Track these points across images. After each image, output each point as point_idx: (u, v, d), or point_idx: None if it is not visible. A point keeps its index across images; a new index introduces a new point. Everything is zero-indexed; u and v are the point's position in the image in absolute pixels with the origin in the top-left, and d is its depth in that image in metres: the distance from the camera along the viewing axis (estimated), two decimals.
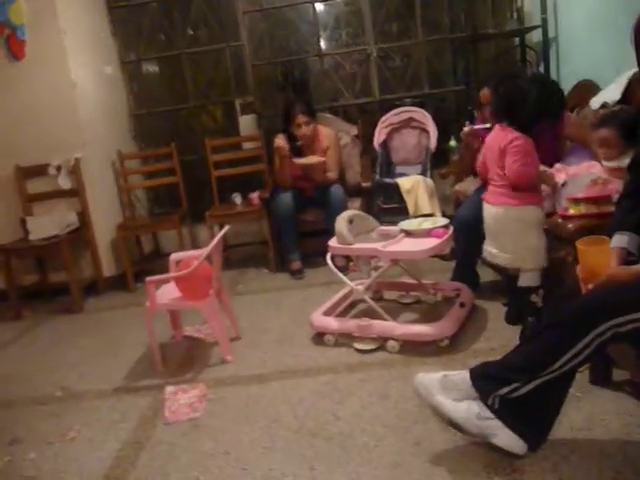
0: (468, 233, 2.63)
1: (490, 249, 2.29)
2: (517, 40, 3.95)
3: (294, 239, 3.60)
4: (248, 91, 4.27)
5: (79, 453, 1.95)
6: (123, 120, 4.27)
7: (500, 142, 2.16)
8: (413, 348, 2.32)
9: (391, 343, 2.33)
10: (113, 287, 3.84)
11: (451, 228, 2.53)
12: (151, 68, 4.45)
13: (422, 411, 1.81)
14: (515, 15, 3.80)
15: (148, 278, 2.37)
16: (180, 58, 4.29)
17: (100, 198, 3.81)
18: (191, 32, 4.33)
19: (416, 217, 3.33)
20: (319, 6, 4.23)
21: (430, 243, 2.35)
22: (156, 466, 1.81)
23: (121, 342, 2.92)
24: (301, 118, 3.51)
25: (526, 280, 2.24)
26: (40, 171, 3.67)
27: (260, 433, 1.89)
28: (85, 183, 3.70)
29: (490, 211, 2.26)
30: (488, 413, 1.52)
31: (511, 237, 2.19)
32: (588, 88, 2.86)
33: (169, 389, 2.26)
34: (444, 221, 2.57)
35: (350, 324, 2.44)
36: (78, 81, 3.63)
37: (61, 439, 2.05)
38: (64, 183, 3.66)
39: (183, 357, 2.62)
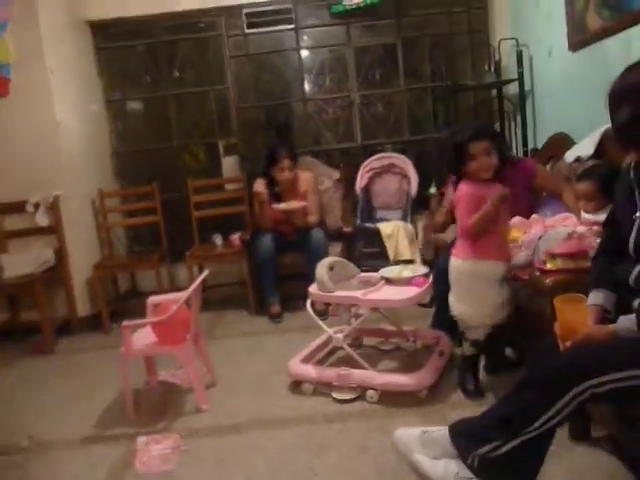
0: (447, 281, 2.65)
1: (450, 300, 2.26)
2: (495, 92, 4.07)
3: (274, 282, 3.58)
4: (232, 133, 4.32)
5: None
6: (105, 158, 4.27)
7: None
8: (392, 398, 2.29)
9: (370, 393, 2.30)
10: (87, 327, 3.75)
11: (430, 276, 2.54)
12: (136, 107, 4.47)
13: (401, 466, 1.78)
14: (493, 68, 3.93)
15: (124, 322, 2.33)
16: (165, 99, 4.33)
17: (78, 236, 3.76)
18: (177, 74, 4.38)
19: (396, 263, 3.38)
20: (304, 52, 4.33)
21: (411, 292, 2.36)
22: None
23: (93, 386, 2.83)
24: (286, 162, 3.54)
25: (472, 333, 2.23)
26: (18, 208, 3.61)
27: None
28: (64, 220, 3.66)
29: (451, 263, 2.25)
30: (468, 473, 1.50)
31: (461, 290, 2.20)
32: (562, 141, 2.94)
33: (141, 439, 2.19)
34: (424, 270, 2.58)
35: (329, 373, 2.41)
36: (62, 119, 3.63)
37: None
38: (41, 220, 3.61)
39: (157, 404, 2.54)
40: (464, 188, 2.12)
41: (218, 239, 3.88)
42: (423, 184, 3.88)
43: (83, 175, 3.86)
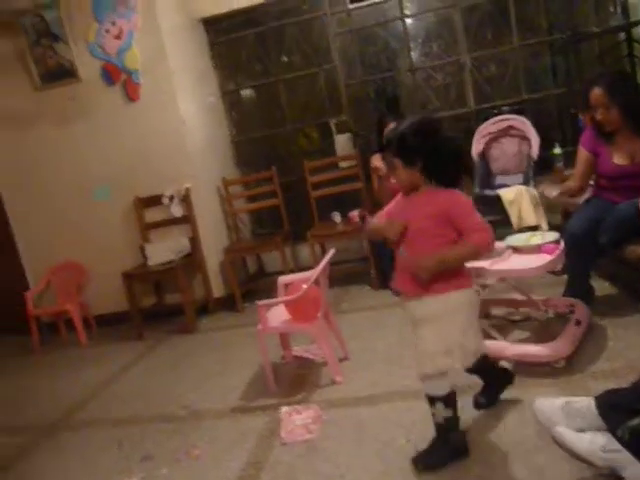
0: (580, 246, 2.53)
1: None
2: (622, 35, 3.72)
3: (393, 256, 3.59)
4: (342, 110, 4.36)
5: (205, 471, 2.08)
6: (225, 148, 4.52)
7: None
8: (526, 369, 2.24)
9: (503, 363, 2.26)
10: (223, 307, 4.05)
11: (562, 242, 2.42)
12: (249, 95, 4.66)
13: (542, 437, 1.75)
14: (619, 9, 3.58)
15: (260, 302, 2.49)
16: (276, 84, 4.47)
17: (208, 223, 4.04)
18: (285, 59, 4.49)
19: (520, 230, 3.25)
20: (409, 21, 4.24)
21: (541, 260, 2.27)
22: None
23: (234, 361, 3.07)
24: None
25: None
26: (155, 201, 3.97)
27: (374, 457, 1.91)
28: (195, 210, 3.95)
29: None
30: (616, 445, 1.45)
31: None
32: None
33: (284, 409, 2.34)
34: (554, 235, 2.46)
35: None
36: (186, 116, 3.90)
37: (187, 457, 2.20)
38: (176, 211, 3.93)
39: (294, 377, 2.70)
40: None
41: (337, 217, 3.97)
42: (545, 145, 3.67)
43: (208, 166, 4.13)
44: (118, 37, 3.78)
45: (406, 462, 1.83)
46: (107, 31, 3.79)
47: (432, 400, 1.76)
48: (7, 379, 3.66)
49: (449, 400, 1.74)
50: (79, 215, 4.13)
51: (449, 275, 1.69)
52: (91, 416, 2.82)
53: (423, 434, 1.96)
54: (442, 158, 1.69)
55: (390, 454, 1.90)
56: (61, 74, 3.90)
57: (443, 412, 1.74)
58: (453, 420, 1.77)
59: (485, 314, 2.80)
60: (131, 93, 3.85)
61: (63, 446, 2.55)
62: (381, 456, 1.90)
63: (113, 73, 3.84)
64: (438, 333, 1.70)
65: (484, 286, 2.56)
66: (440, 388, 1.74)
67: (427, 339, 1.72)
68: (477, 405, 2.02)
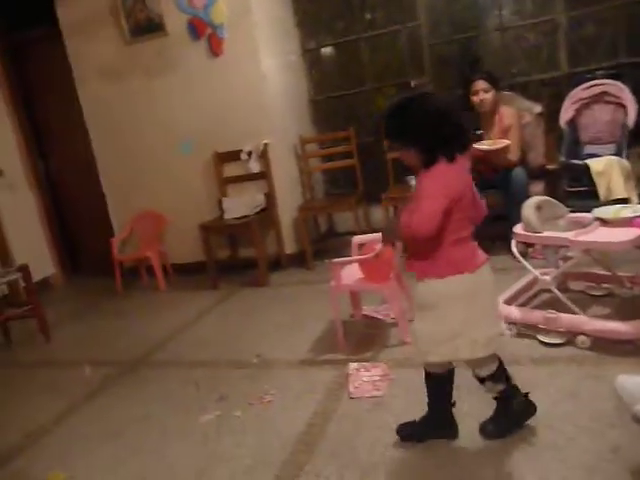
0: None
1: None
2: None
3: None
4: (424, 71, 4.23)
5: (276, 416, 2.18)
6: (303, 106, 4.52)
7: None
8: (606, 345, 2.17)
9: (581, 338, 2.21)
10: (294, 263, 4.13)
11: None
12: (329, 54, 4.61)
13: (620, 414, 1.71)
14: None
15: (335, 260, 2.53)
16: (358, 42, 4.39)
17: (284, 180, 4.10)
18: (369, 16, 4.39)
19: (608, 202, 3.09)
20: None
21: (632, 234, 2.16)
22: (343, 437, 1.96)
23: (303, 316, 3.15)
24: (480, 84, 3.41)
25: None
26: (234, 156, 4.05)
27: None
28: (271, 167, 4.01)
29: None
30: None
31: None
32: None
33: (352, 365, 2.40)
34: None
35: (535, 315, 2.36)
36: (267, 72, 3.92)
37: (259, 402, 2.30)
38: (254, 167, 4.01)
39: (362, 336, 2.75)
40: None
41: (412, 180, 3.87)
42: None
43: (286, 124, 4.15)
44: None
45: (475, 424, 1.84)
46: None
47: (480, 380, 1.74)
48: (94, 317, 3.94)
49: (495, 376, 1.70)
50: (162, 167, 4.30)
51: (446, 259, 1.59)
52: (170, 356, 3.00)
53: (492, 401, 1.96)
54: (430, 137, 1.54)
55: (459, 416, 1.91)
56: (150, 28, 4.00)
57: (494, 388, 1.72)
58: (508, 391, 1.74)
59: (563, 287, 2.72)
60: (215, 48, 3.90)
61: (144, 381, 2.74)
62: None
63: (199, 27, 3.89)
64: (435, 320, 1.62)
65: (565, 258, 2.47)
66: (482, 370, 1.71)
67: (425, 325, 1.66)
68: (483, 432, 1.80)
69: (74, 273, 5.13)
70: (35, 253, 4.66)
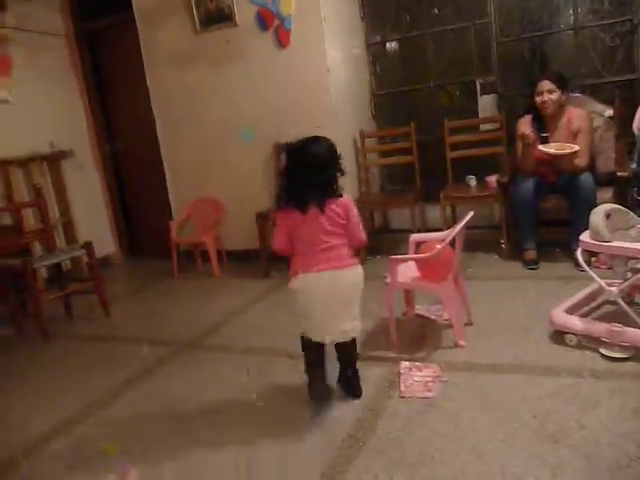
0: None
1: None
2: None
3: (531, 227, 3.44)
4: (490, 70, 4.14)
5: (323, 410, 2.18)
6: (365, 100, 4.50)
7: None
8: None
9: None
10: None
11: None
12: (394, 48, 4.57)
13: None
14: None
15: (393, 257, 2.51)
16: (423, 38, 4.33)
17: None
18: (436, 11, 4.31)
19: None
20: None
21: None
22: (393, 436, 1.94)
23: None
24: (545, 85, 3.30)
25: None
26: None
27: (496, 425, 1.89)
28: None
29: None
30: None
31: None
32: None
33: (404, 364, 2.38)
34: None
35: (598, 327, 2.28)
36: (331, 65, 3.92)
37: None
38: None
39: (415, 335, 2.73)
40: None
41: (472, 181, 3.84)
42: None
43: (347, 117, 4.15)
44: None
45: (531, 435, 1.80)
46: None
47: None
48: (151, 297, 4.08)
49: (306, 356, 2.26)
50: (223, 155, 4.39)
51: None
52: (222, 340, 3.07)
53: (550, 411, 1.92)
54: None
55: (514, 425, 1.87)
56: (219, 18, 4.07)
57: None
58: (311, 372, 2.25)
59: (628, 300, 2.61)
60: (282, 39, 3.93)
61: (197, 362, 2.82)
62: (504, 425, 1.88)
63: (267, 18, 3.93)
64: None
65: (634, 270, 2.38)
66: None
67: None
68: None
69: (133, 253, 5.31)
70: (98, 231, 4.85)
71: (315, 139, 2.12)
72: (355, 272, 2.15)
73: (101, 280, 3.64)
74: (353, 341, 2.20)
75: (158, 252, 4.78)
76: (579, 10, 3.91)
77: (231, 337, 3.09)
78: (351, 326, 2.13)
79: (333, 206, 2.08)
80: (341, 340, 2.14)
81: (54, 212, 4.52)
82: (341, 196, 2.11)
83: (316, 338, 2.13)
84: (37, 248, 4.15)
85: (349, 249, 2.16)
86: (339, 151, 2.14)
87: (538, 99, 3.34)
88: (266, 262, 4.07)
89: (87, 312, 3.79)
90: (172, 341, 3.13)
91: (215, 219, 4.48)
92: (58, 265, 3.67)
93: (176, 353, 2.96)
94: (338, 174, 2.10)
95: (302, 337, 2.21)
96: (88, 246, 3.58)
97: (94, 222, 4.89)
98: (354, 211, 2.16)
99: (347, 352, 2.23)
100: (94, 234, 4.38)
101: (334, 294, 2.07)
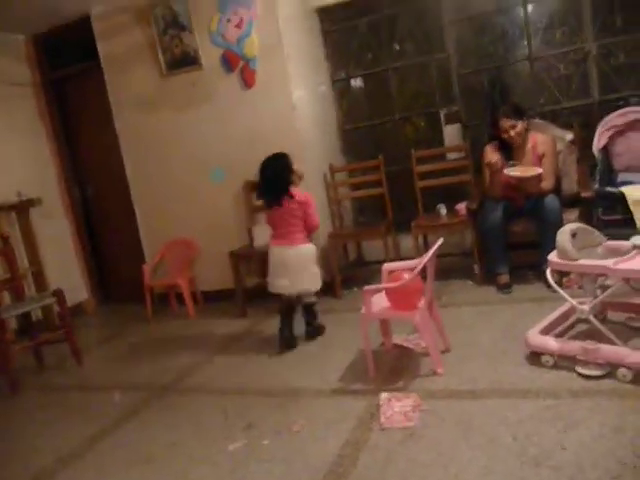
0: None
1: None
2: None
3: (502, 252, 3.48)
4: (453, 101, 4.26)
5: (305, 446, 2.14)
6: (333, 135, 4.57)
7: None
8: None
9: (622, 371, 2.13)
10: (322, 292, 4.05)
11: None
12: (359, 84, 4.68)
13: None
14: None
15: (366, 287, 2.51)
16: (386, 73, 4.45)
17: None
18: (397, 47, 4.45)
19: None
20: (530, 6, 4.03)
21: None
22: (375, 469, 1.90)
23: (332, 345, 3.13)
24: (505, 122, 3.39)
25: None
26: None
27: (478, 451, 1.87)
28: None
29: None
30: None
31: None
32: None
33: (383, 395, 2.35)
34: None
35: (573, 346, 2.29)
36: (297, 103, 3.99)
37: (288, 430, 2.27)
38: None
39: (393, 365, 2.70)
40: None
41: (442, 209, 3.89)
42: None
43: (316, 153, 4.20)
44: (238, 26, 3.93)
45: (513, 459, 1.78)
46: (228, 20, 3.96)
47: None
48: (125, 343, 3.98)
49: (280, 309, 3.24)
50: (194, 194, 4.38)
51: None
52: (199, 383, 3.00)
53: (530, 434, 1.90)
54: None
55: (495, 450, 1.85)
56: (185, 62, 4.13)
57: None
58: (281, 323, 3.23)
59: (601, 318, 2.64)
60: (247, 79, 4.00)
61: (173, 407, 2.74)
62: (486, 451, 1.86)
63: (232, 60, 4.01)
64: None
65: (602, 287, 2.41)
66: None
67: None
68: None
69: (106, 299, 5.21)
70: (69, 279, 4.76)
71: (273, 156, 3.18)
72: (304, 247, 3.09)
73: (72, 328, 3.55)
74: (312, 304, 3.25)
75: (132, 297, 4.70)
76: (533, 41, 4.07)
77: (207, 379, 3.03)
78: (308, 285, 3.13)
79: (290, 203, 3.05)
80: (295, 293, 3.15)
81: (23, 261, 4.43)
82: (292, 196, 3.06)
83: (271, 289, 3.18)
84: (6, 298, 4.04)
85: (303, 233, 3.10)
86: (292, 163, 3.14)
87: (505, 136, 3.43)
88: (242, 301, 4.03)
89: (58, 362, 3.68)
90: (147, 387, 3.04)
91: (189, 260, 4.44)
92: (28, 314, 3.58)
93: (151, 399, 2.88)
94: (291, 179, 3.10)
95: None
96: (58, 294, 3.50)
97: (65, 270, 4.80)
98: (310, 206, 3.08)
99: (309, 309, 3.27)
100: (65, 282, 4.29)
101: (283, 262, 3.08)
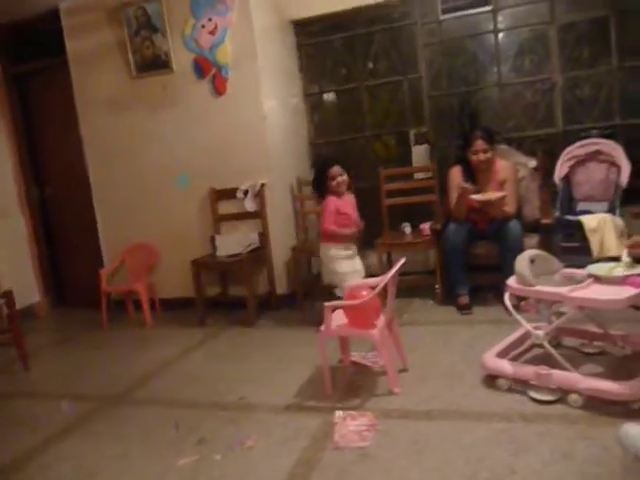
0: None
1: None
2: None
3: (464, 273, 3.52)
4: (423, 122, 4.31)
5: (257, 463, 2.09)
6: (303, 148, 4.56)
7: None
8: (598, 405, 2.12)
9: (573, 397, 2.16)
10: (284, 304, 4.08)
11: None
12: (331, 99, 4.69)
13: (613, 478, 1.65)
14: None
15: (326, 303, 2.49)
16: (359, 90, 4.47)
17: (278, 221, 4.09)
18: (371, 65, 4.49)
19: (601, 259, 3.10)
20: (501, 35, 4.14)
21: (626, 292, 2.14)
22: None
23: (290, 359, 3.09)
24: (480, 145, 3.45)
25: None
26: (230, 194, 4.06)
27: (431, 474, 1.86)
28: (267, 206, 4.01)
29: None
30: None
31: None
32: None
33: (338, 413, 2.32)
34: None
35: (527, 370, 2.31)
36: (268, 113, 3.97)
37: (241, 446, 2.22)
38: (250, 206, 4.01)
39: (350, 383, 2.68)
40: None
41: (407, 227, 3.92)
42: (635, 174, 3.50)
43: (284, 165, 4.18)
44: (212, 33, 3.90)
45: None
46: (203, 26, 3.93)
47: None
48: (76, 350, 3.85)
49: None
50: (158, 200, 4.30)
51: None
52: (151, 394, 2.91)
53: (482, 457, 1.90)
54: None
55: (447, 473, 1.85)
56: (156, 64, 4.07)
57: None
58: None
59: (555, 343, 2.68)
60: (219, 87, 3.96)
61: (122, 418, 2.65)
62: (439, 474, 1.85)
63: (204, 66, 3.97)
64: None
65: (557, 313, 2.45)
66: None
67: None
68: None
69: (60, 303, 5.04)
70: (21, 280, 4.59)
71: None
72: (321, 245, 3.31)
73: (20, 332, 3.41)
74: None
75: (88, 301, 4.55)
76: (502, 68, 4.17)
77: (160, 390, 2.94)
78: (326, 280, 3.36)
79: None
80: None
81: None
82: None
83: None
84: None
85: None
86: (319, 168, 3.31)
87: (474, 158, 3.48)
88: (202, 310, 3.96)
89: (4, 366, 3.53)
90: (96, 396, 2.94)
91: (149, 266, 4.34)
92: None
93: (100, 410, 2.78)
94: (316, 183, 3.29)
95: None
96: (8, 295, 3.36)
97: (17, 270, 4.62)
98: (323, 210, 3.24)
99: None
100: (17, 283, 4.12)
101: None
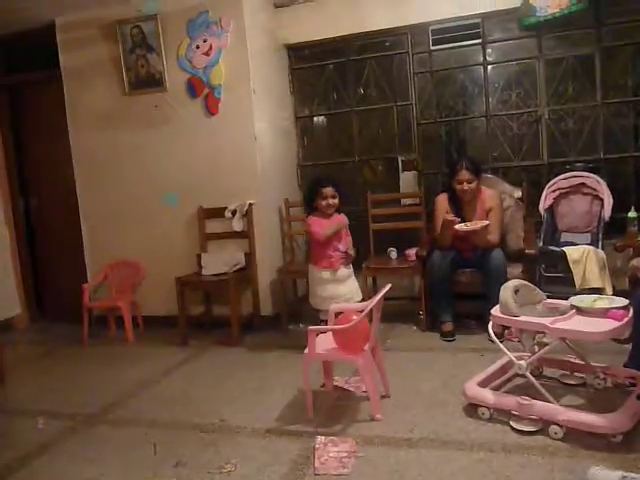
0: None
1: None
2: None
3: (448, 300, 3.55)
4: (412, 148, 4.37)
5: None
6: (292, 170, 4.59)
7: None
8: (579, 437, 2.13)
9: (554, 428, 2.17)
10: (268, 326, 4.06)
11: (631, 310, 2.31)
12: (321, 123, 4.74)
13: None
14: None
15: (310, 327, 2.48)
16: (349, 115, 4.53)
17: (265, 241, 4.09)
18: (362, 91, 4.55)
19: (583, 290, 3.15)
20: (490, 67, 4.23)
21: (608, 325, 2.17)
22: None
23: (272, 382, 3.06)
24: (464, 175, 3.49)
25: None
26: (217, 213, 4.06)
27: None
28: (254, 227, 4.02)
29: None
30: None
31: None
32: None
33: (319, 439, 2.30)
34: (623, 301, 2.36)
35: (508, 400, 2.32)
36: (259, 134, 4.00)
37: (219, 471, 2.18)
38: (237, 225, 4.01)
39: (332, 408, 2.66)
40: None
41: (393, 253, 3.95)
42: (617, 207, 3.57)
43: (273, 186, 4.20)
44: (207, 54, 3.95)
45: None
46: (197, 47, 3.97)
47: None
48: (55, 365, 3.78)
49: None
50: (144, 217, 4.28)
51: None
52: (130, 414, 2.86)
53: None
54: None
55: None
56: (149, 83, 4.09)
57: None
58: None
59: (537, 373, 2.70)
60: (211, 107, 3.99)
61: (99, 438, 2.59)
62: None
63: (197, 86, 4.00)
64: None
65: (540, 343, 2.47)
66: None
67: None
68: None
69: (41, 316, 4.97)
70: (1, 292, 4.52)
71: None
72: (309, 268, 3.39)
73: None
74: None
75: (69, 316, 4.49)
76: (490, 100, 4.25)
77: (139, 410, 2.89)
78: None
79: None
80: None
81: None
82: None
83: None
84: None
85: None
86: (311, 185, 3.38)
87: (459, 187, 3.52)
88: (184, 329, 3.93)
89: None
90: (73, 415, 2.87)
91: (132, 283, 4.31)
92: None
93: (77, 428, 2.72)
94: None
95: None
96: None
97: None
98: (308, 226, 3.28)
99: None
100: None
101: None
